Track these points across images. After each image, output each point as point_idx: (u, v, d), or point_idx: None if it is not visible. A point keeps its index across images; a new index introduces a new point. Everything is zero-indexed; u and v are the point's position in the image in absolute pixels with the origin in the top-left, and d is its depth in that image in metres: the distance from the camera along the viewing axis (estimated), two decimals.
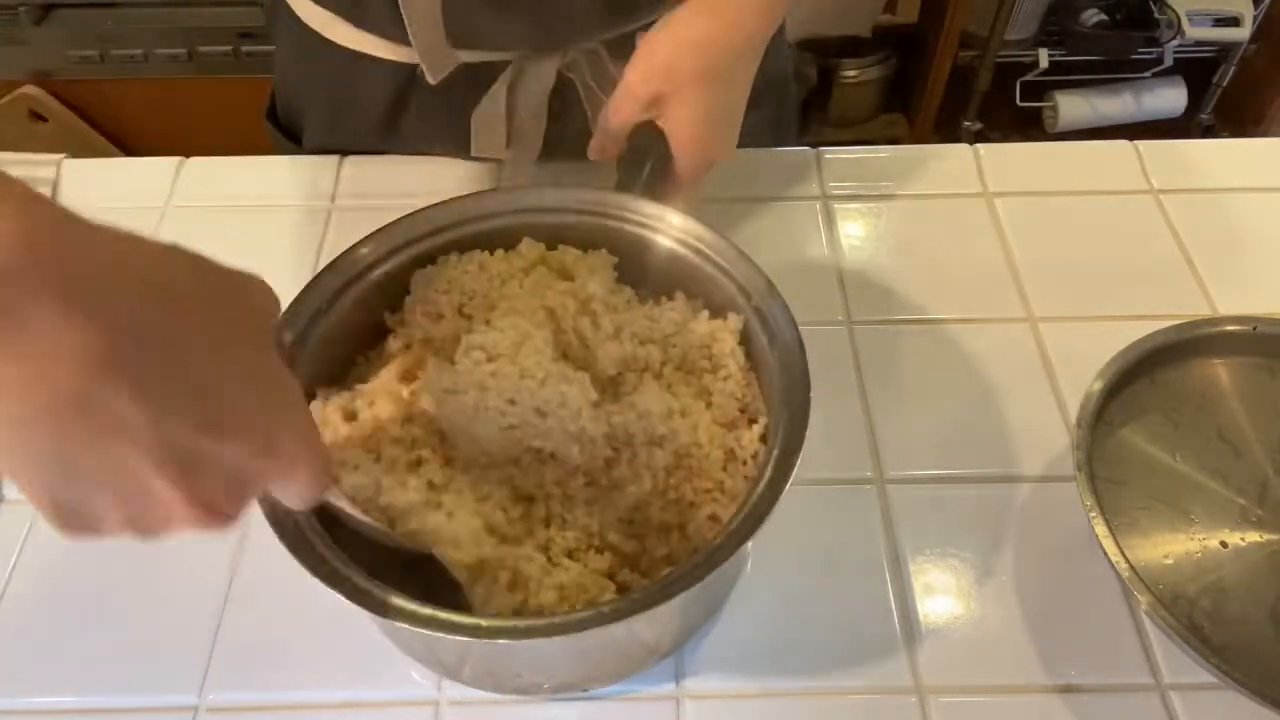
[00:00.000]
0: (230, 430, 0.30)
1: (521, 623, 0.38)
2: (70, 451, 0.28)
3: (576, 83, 0.67)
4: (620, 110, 0.57)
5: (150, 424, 0.28)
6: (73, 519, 0.30)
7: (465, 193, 0.54)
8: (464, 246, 0.53)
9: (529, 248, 0.53)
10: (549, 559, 0.44)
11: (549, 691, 0.48)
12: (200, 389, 0.29)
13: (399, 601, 0.38)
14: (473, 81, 0.66)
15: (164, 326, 0.28)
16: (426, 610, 0.38)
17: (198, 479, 0.30)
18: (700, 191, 0.59)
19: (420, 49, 0.60)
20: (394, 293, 0.52)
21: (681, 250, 0.52)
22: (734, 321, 0.50)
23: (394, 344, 0.51)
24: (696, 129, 0.56)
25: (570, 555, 0.45)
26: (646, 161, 0.56)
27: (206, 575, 0.52)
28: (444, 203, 0.53)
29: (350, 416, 0.46)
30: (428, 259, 0.52)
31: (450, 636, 0.39)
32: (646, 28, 0.66)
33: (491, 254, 0.53)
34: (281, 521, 0.40)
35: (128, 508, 0.30)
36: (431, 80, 0.63)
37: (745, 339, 0.51)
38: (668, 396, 0.48)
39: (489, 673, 0.47)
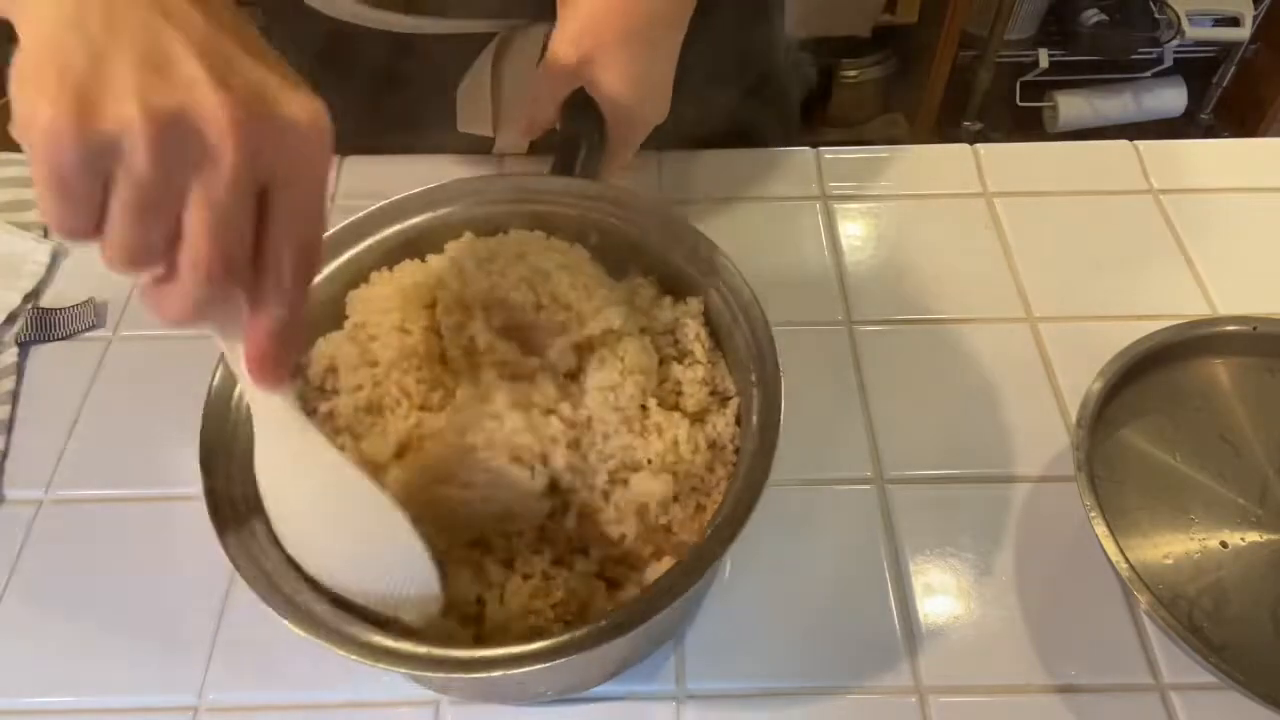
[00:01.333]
0: (257, 53, 0.31)
1: (516, 651, 0.38)
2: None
3: None
4: (548, 79, 0.55)
5: (196, 12, 0.30)
6: (81, 85, 0.28)
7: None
8: (392, 258, 0.50)
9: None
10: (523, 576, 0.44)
11: (552, 697, 0.48)
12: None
13: (389, 642, 0.38)
14: (459, 53, 0.65)
15: None
16: (423, 649, 0.38)
17: (229, 68, 0.30)
18: (632, 154, 0.57)
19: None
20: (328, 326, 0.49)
21: (628, 229, 0.51)
22: (695, 305, 0.50)
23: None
24: (626, 91, 0.54)
25: (556, 562, 0.45)
26: (582, 138, 0.54)
27: (206, 575, 0.52)
28: (362, 215, 0.51)
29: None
30: (359, 278, 0.50)
31: (441, 675, 0.38)
32: None
33: (424, 260, 0.50)
34: (254, 571, 0.40)
35: (148, 75, 0.29)
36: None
37: (707, 316, 0.50)
38: (660, 480, 0.45)
39: (492, 688, 0.47)
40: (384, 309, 0.47)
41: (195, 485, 0.55)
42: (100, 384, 0.61)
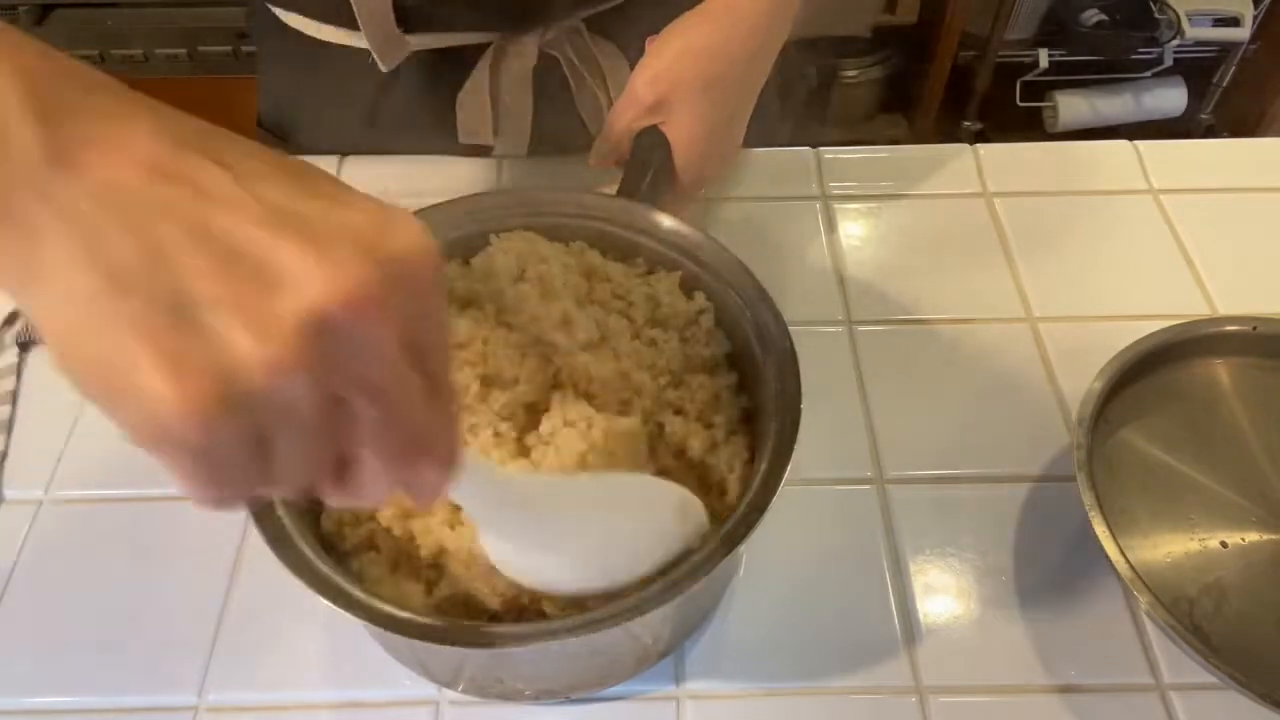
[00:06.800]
0: (326, 194, 0.24)
1: (496, 630, 0.38)
2: (161, 236, 0.22)
3: (560, 60, 0.67)
4: (623, 115, 0.56)
5: (243, 186, 0.23)
6: (183, 348, 0.22)
7: (467, 193, 0.53)
8: (469, 250, 0.52)
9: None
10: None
11: (530, 698, 0.48)
12: (274, 163, 0.24)
13: (367, 599, 0.38)
14: (455, 65, 0.65)
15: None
16: (404, 614, 0.38)
17: (316, 232, 0.23)
18: (700, 196, 0.59)
19: (369, 35, 0.60)
20: None
21: (678, 257, 0.52)
22: (701, 300, 0.51)
23: None
24: (699, 137, 0.56)
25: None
26: (650, 167, 0.55)
27: (207, 575, 0.52)
28: (436, 206, 0.52)
29: None
30: None
31: (430, 644, 0.38)
32: (624, 5, 0.65)
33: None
34: (266, 514, 0.40)
35: (250, 293, 0.22)
36: (384, 67, 0.62)
37: (740, 350, 0.51)
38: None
39: (471, 678, 0.47)
40: None
41: None
42: None
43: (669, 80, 0.55)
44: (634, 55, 0.59)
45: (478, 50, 0.65)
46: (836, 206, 0.71)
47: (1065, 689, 0.49)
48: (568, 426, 0.44)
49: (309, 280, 0.22)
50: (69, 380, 0.23)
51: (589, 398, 0.47)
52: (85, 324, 0.22)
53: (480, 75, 0.66)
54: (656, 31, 0.58)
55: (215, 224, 0.22)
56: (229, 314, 0.22)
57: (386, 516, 0.44)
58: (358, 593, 0.39)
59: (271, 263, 0.22)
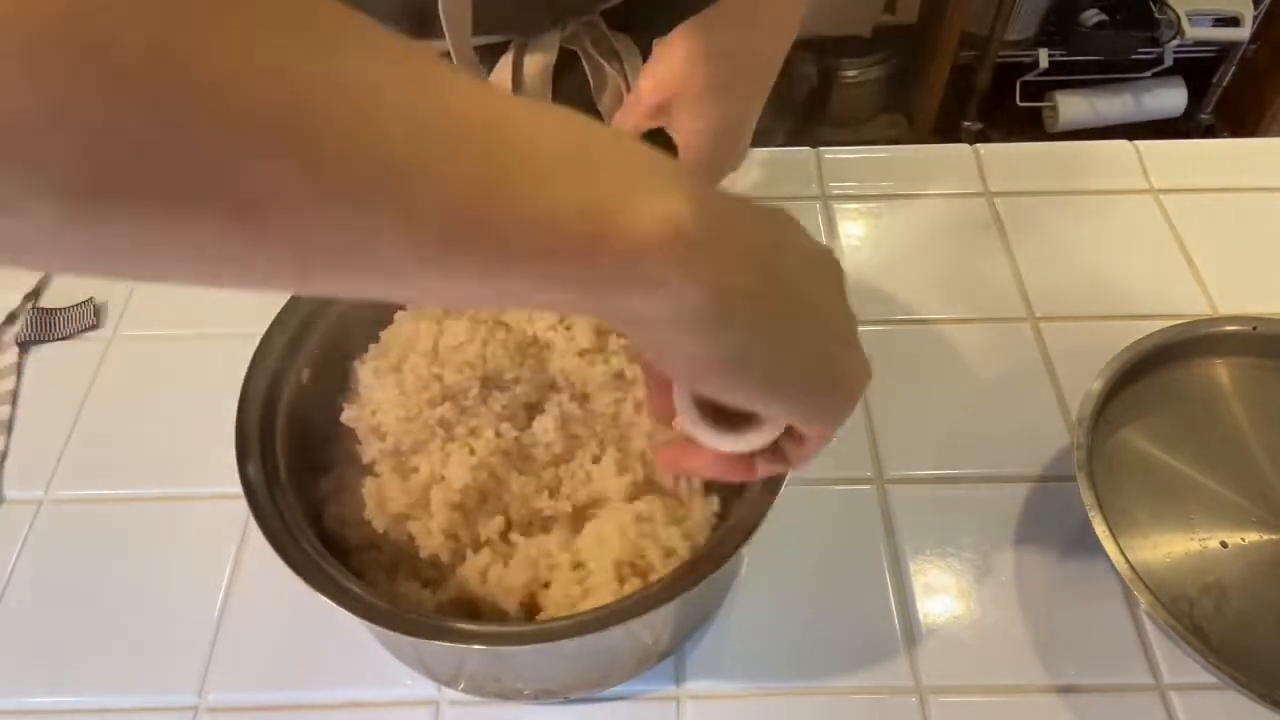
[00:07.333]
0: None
1: (497, 629, 0.38)
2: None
3: (579, 53, 0.67)
4: (630, 117, 0.56)
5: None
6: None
7: None
8: None
9: None
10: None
11: (530, 698, 0.48)
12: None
13: (368, 597, 0.39)
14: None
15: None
16: (409, 615, 0.38)
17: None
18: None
19: (458, 58, 0.60)
20: None
21: None
22: None
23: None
24: (705, 141, 0.55)
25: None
26: None
27: (206, 575, 0.52)
28: None
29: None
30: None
31: (431, 642, 0.38)
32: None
33: None
34: (266, 513, 0.40)
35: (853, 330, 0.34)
36: None
37: None
38: None
39: (471, 677, 0.47)
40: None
41: (195, 485, 0.56)
42: (100, 384, 0.61)
43: (675, 83, 0.55)
44: (651, 48, 0.59)
45: (498, 49, 0.65)
46: (836, 206, 0.71)
47: (1065, 689, 0.49)
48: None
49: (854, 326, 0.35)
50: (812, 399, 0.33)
51: (584, 399, 0.47)
52: (829, 357, 0.33)
53: (502, 73, 0.66)
54: (672, 24, 0.58)
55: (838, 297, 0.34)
56: (858, 349, 0.34)
57: (382, 521, 0.44)
58: (359, 591, 0.39)
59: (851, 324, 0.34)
